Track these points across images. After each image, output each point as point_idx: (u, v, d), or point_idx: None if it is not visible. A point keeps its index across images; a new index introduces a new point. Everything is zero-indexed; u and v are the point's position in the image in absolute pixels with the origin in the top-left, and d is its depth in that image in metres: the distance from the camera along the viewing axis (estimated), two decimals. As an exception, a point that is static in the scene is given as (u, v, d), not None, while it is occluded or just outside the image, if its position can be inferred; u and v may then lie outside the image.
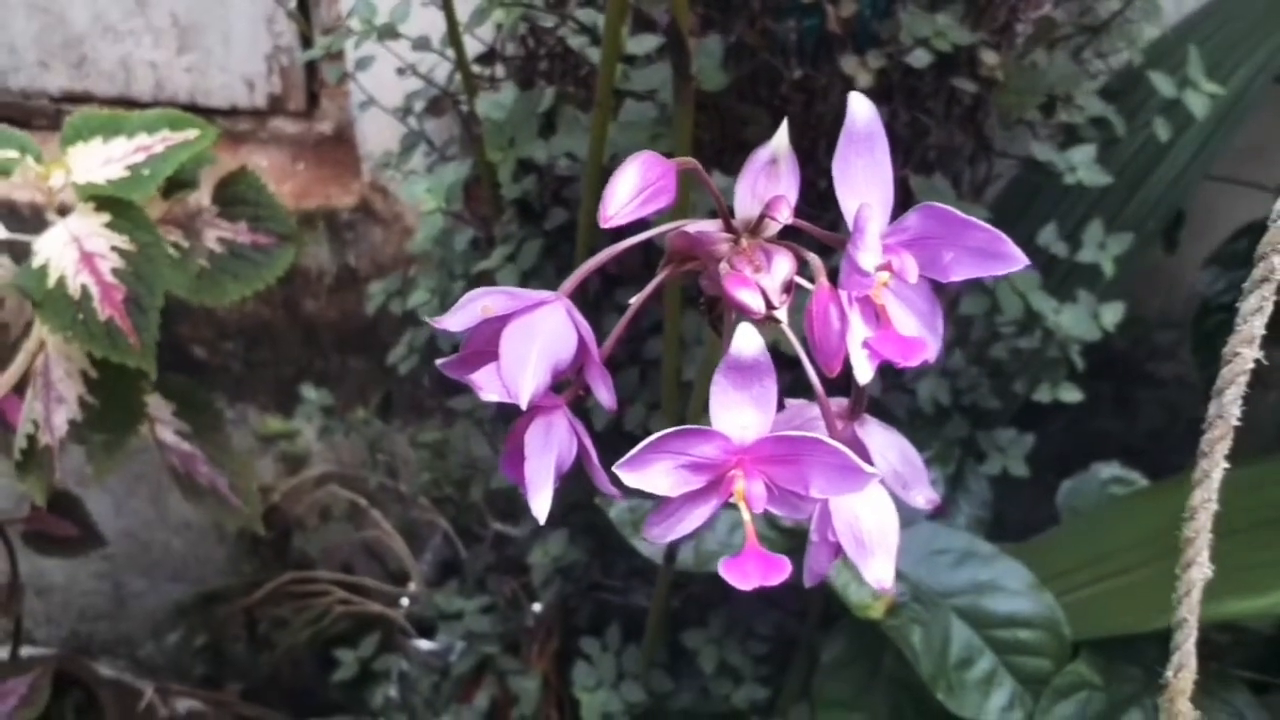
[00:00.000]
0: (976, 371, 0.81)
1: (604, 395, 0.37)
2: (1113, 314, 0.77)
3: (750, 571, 0.32)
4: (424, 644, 1.09)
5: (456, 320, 0.35)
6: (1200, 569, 0.41)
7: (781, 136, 0.35)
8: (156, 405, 0.77)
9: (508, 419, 0.93)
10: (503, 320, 0.36)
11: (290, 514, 1.26)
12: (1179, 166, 0.83)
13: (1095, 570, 0.74)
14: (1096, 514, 0.82)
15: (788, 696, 0.81)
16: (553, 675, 1.01)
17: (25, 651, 1.01)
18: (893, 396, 0.82)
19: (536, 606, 1.02)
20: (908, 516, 0.50)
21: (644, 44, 0.69)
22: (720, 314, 0.40)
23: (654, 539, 0.34)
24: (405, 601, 1.13)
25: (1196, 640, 0.42)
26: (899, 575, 0.71)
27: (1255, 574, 0.66)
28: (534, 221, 0.80)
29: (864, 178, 0.32)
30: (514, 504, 1.06)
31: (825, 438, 0.31)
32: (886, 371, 0.82)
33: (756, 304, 0.32)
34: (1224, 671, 0.70)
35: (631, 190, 0.33)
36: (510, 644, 1.02)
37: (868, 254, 0.30)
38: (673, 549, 0.72)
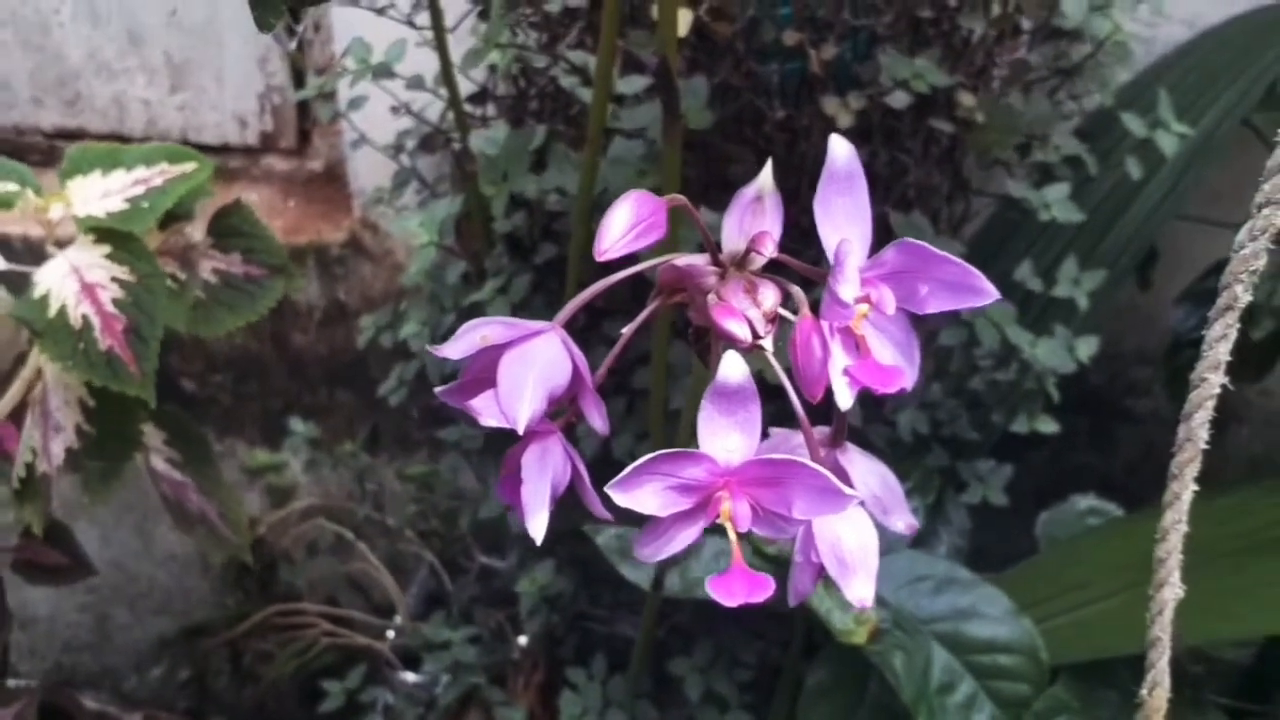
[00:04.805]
0: (955, 403, 0.83)
1: (597, 421, 0.38)
2: (1087, 347, 0.79)
3: (736, 589, 0.33)
4: (409, 676, 1.09)
5: (456, 348, 0.37)
6: (1172, 589, 0.42)
7: (766, 175, 0.37)
8: (149, 434, 0.78)
9: (495, 451, 0.95)
10: (500, 349, 0.37)
11: (276, 547, 1.26)
12: (1151, 205, 0.86)
13: (1072, 597, 0.75)
14: (1074, 543, 0.84)
15: (772, 724, 0.82)
16: (538, 707, 1.02)
17: (8, 684, 1.01)
18: (874, 428, 0.84)
19: (522, 639, 1.03)
20: (889, 544, 0.51)
21: (633, 84, 0.71)
22: (707, 344, 0.41)
23: (644, 558, 0.36)
24: (391, 634, 1.13)
25: (1172, 671, 0.43)
26: (881, 602, 0.72)
27: (1235, 600, 0.68)
28: (524, 256, 0.82)
29: (844, 215, 0.34)
30: (500, 537, 1.07)
31: (807, 461, 0.33)
32: (867, 403, 0.85)
33: (743, 333, 0.33)
34: (1200, 697, 0.72)
35: (625, 226, 0.34)
36: (496, 676, 1.02)
37: (847, 286, 0.32)
38: (660, 576, 0.73)
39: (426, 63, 0.79)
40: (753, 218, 0.37)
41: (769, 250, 0.35)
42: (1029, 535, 0.90)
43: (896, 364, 0.35)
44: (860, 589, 0.37)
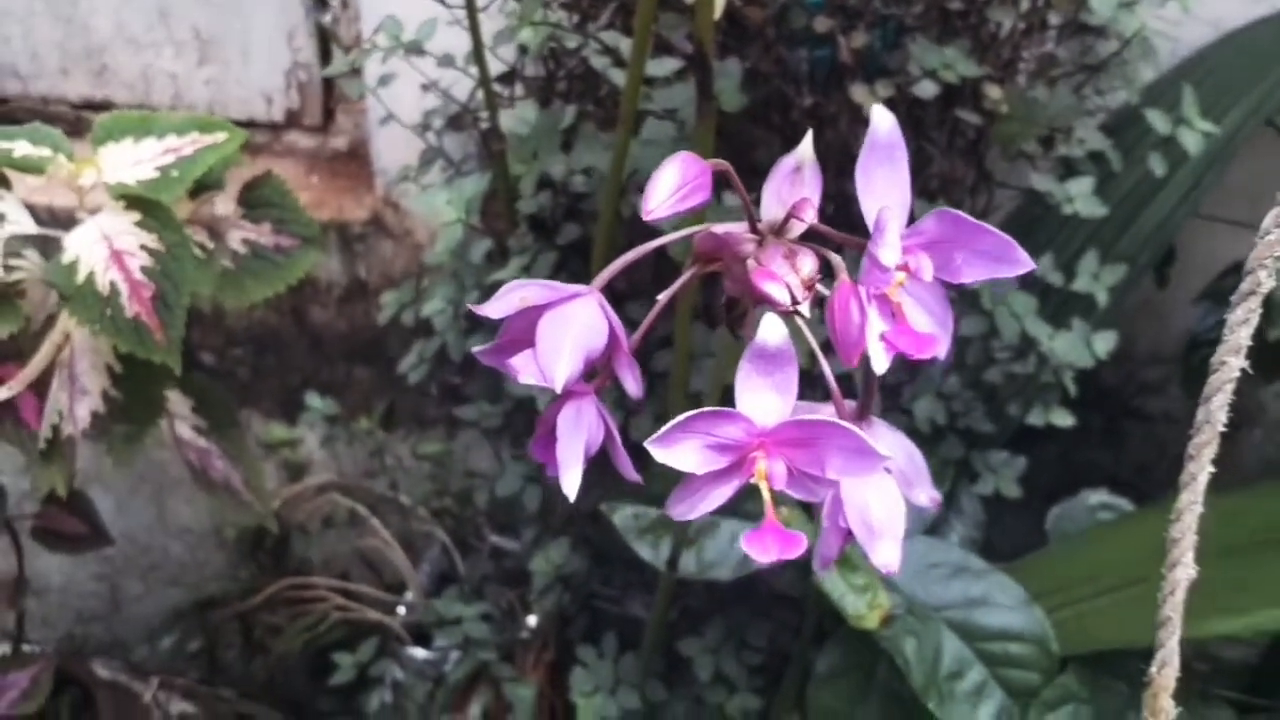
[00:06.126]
0: (972, 394, 0.84)
1: (631, 384, 0.39)
2: (1105, 342, 0.80)
3: (769, 544, 0.34)
4: (419, 652, 1.10)
5: (496, 308, 0.38)
6: (1185, 569, 0.43)
7: (806, 146, 0.37)
8: (175, 401, 0.79)
9: (514, 430, 0.96)
10: (538, 311, 0.38)
11: (290, 521, 1.27)
12: (1172, 203, 0.86)
13: (1083, 588, 0.76)
14: (1084, 535, 0.84)
15: (781, 706, 0.83)
16: (547, 686, 1.03)
17: (23, 649, 1.02)
18: (890, 416, 0.84)
19: (532, 619, 1.04)
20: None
21: (664, 66, 0.72)
22: (741, 313, 0.42)
23: (677, 516, 0.36)
24: (402, 610, 1.14)
25: (1180, 664, 0.44)
26: (894, 587, 0.73)
27: (1239, 595, 0.69)
28: (548, 236, 0.83)
29: (884, 184, 0.35)
30: (512, 518, 1.08)
31: (842, 422, 0.33)
32: (885, 391, 0.85)
33: (782, 296, 0.34)
34: (1207, 691, 0.72)
35: (672, 186, 0.35)
36: (505, 654, 1.03)
37: (888, 251, 0.33)
38: (675, 557, 0.74)
39: (456, 41, 0.80)
40: (791, 187, 0.38)
41: (809, 216, 0.35)
42: (1038, 531, 0.90)
43: (932, 331, 0.36)
44: (886, 553, 0.38)
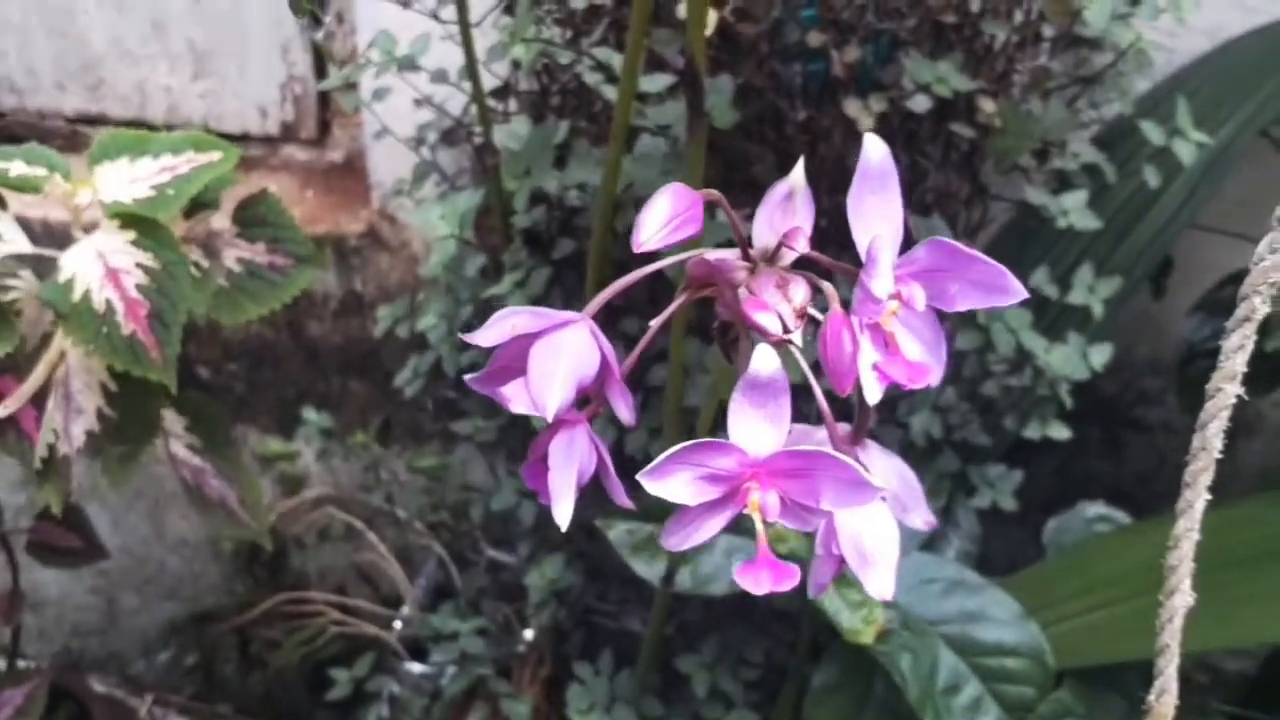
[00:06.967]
0: (968, 408, 0.83)
1: (623, 411, 0.39)
2: (1101, 355, 0.80)
3: (763, 577, 0.34)
4: (416, 667, 1.10)
5: (486, 336, 0.37)
6: (1183, 596, 0.43)
7: (798, 173, 0.37)
8: (170, 419, 0.79)
9: (509, 445, 0.95)
10: (530, 338, 0.38)
11: (286, 535, 1.27)
12: (1167, 214, 0.86)
13: (1080, 602, 0.76)
14: (1082, 548, 0.84)
15: (778, 722, 0.83)
16: (543, 701, 1.02)
17: (18, 665, 1.02)
18: (886, 430, 0.84)
19: (528, 633, 1.04)
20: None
21: (656, 82, 0.72)
22: (733, 339, 0.42)
23: (670, 547, 0.36)
24: (398, 624, 1.14)
25: (1179, 679, 0.43)
26: (889, 603, 0.73)
27: (1243, 607, 0.68)
28: (542, 251, 0.82)
29: (876, 213, 0.35)
30: (509, 531, 1.08)
31: (836, 453, 0.33)
32: (881, 405, 0.85)
33: (774, 326, 0.34)
34: (1205, 704, 0.72)
35: (664, 218, 0.35)
36: (502, 668, 1.03)
37: (880, 281, 0.33)
38: (671, 572, 0.74)
39: (449, 56, 0.80)
40: (783, 215, 0.37)
41: (801, 245, 0.35)
42: (1036, 543, 0.90)
43: (925, 360, 0.36)
44: (880, 582, 0.37)
